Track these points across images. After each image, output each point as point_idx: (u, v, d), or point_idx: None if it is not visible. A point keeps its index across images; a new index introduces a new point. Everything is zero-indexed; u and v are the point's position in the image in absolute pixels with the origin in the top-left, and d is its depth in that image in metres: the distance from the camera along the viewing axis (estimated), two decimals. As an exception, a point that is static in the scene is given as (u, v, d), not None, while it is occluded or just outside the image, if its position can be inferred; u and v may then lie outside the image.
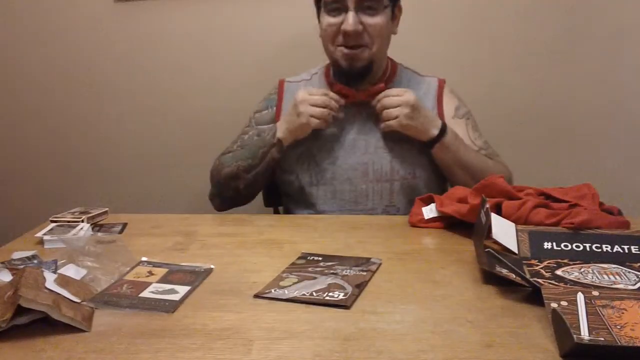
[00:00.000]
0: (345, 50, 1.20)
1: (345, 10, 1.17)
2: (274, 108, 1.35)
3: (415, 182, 1.26)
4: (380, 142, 1.26)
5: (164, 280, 0.84)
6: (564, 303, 0.69)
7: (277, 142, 1.25)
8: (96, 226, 1.14)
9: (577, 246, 0.90)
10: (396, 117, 1.19)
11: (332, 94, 1.23)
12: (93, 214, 1.16)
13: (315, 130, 1.24)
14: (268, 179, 1.33)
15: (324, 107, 1.20)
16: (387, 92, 1.22)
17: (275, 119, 1.33)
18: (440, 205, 1.08)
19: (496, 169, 1.23)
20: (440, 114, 1.29)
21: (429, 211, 1.10)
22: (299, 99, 1.22)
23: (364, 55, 1.21)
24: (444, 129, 1.21)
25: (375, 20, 1.19)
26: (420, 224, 1.10)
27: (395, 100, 1.20)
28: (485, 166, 1.24)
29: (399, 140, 1.25)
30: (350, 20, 1.16)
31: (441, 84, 1.34)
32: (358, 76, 1.24)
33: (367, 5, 1.17)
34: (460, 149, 1.23)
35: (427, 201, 1.13)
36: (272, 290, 0.79)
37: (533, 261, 0.88)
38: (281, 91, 1.36)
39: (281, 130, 1.25)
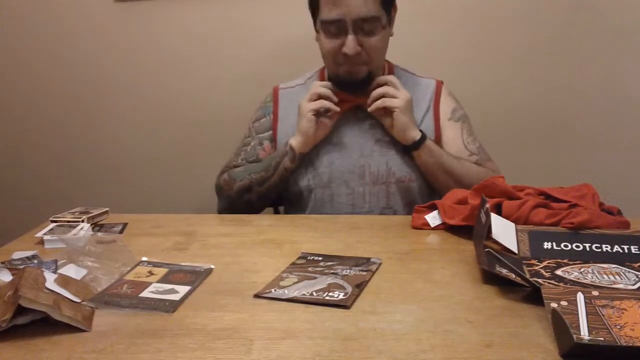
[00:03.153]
0: (347, 68, 1.23)
1: (344, 32, 1.18)
2: (271, 115, 1.35)
3: (411, 185, 1.26)
4: (377, 145, 1.26)
5: (164, 280, 0.84)
6: (563, 303, 0.69)
7: (290, 149, 1.25)
8: (96, 226, 1.14)
9: (577, 246, 0.91)
10: (397, 107, 1.20)
11: (322, 90, 1.23)
12: (93, 214, 1.16)
13: None
14: (280, 191, 1.33)
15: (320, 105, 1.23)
16: (393, 82, 1.23)
17: (272, 125, 1.34)
18: (445, 214, 1.07)
19: (481, 176, 1.23)
20: (436, 116, 1.30)
21: (433, 218, 1.09)
22: (302, 107, 1.24)
23: (364, 70, 1.23)
24: (424, 135, 1.23)
25: (374, 41, 1.20)
26: (424, 227, 1.09)
27: (395, 92, 1.22)
28: (469, 172, 1.24)
29: (394, 143, 1.25)
30: (350, 44, 1.18)
31: (439, 86, 1.34)
32: (359, 86, 1.25)
33: (366, 27, 1.18)
34: (443, 154, 1.24)
35: (427, 207, 1.13)
36: (272, 290, 0.79)
37: (533, 261, 0.88)
38: (276, 98, 1.36)
39: (296, 140, 1.25)
